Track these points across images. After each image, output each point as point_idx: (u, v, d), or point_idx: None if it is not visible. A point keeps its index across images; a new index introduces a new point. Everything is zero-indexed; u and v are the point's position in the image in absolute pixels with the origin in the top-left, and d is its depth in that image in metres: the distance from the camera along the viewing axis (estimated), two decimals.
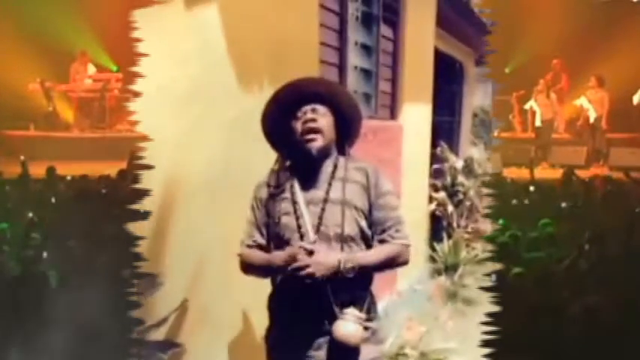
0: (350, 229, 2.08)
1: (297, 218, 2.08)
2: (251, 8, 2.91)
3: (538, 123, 10.54)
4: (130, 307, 2.65)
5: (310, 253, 1.99)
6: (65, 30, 8.03)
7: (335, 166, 2.14)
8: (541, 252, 3.92)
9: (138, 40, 2.66)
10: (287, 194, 2.12)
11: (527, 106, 10.83)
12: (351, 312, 2.02)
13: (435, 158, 6.46)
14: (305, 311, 2.05)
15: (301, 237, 2.07)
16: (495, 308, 3.33)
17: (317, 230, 2.06)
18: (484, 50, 7.89)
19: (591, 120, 10.32)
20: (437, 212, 6.37)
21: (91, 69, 8.99)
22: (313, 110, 2.10)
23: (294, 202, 2.10)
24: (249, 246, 2.19)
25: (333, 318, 2.02)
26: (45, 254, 3.03)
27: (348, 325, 1.99)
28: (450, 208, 6.44)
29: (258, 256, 2.16)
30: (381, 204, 2.13)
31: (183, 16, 2.70)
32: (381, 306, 3.93)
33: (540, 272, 3.68)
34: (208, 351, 2.77)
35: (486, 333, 3.12)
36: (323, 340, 2.06)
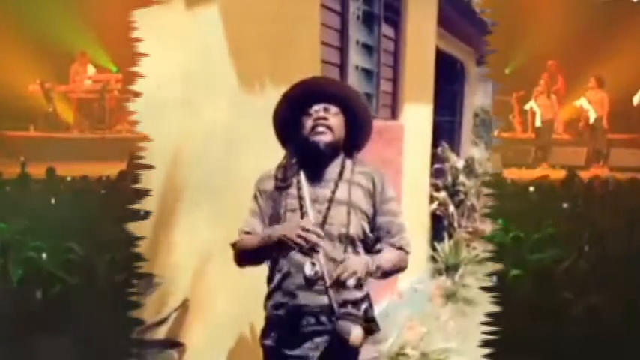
0: (355, 231, 2.08)
1: (302, 215, 2.06)
2: (252, 8, 2.90)
3: (538, 124, 10.54)
4: (130, 307, 2.64)
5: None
6: (65, 31, 8.04)
7: (342, 168, 2.13)
8: (542, 253, 3.92)
9: (138, 40, 2.65)
10: (293, 190, 2.10)
11: (527, 107, 10.84)
12: (352, 312, 2.01)
13: (436, 158, 6.45)
14: (303, 311, 2.04)
15: None
16: (496, 308, 3.33)
17: (322, 229, 2.04)
18: (485, 50, 7.89)
19: (591, 121, 10.32)
20: (438, 212, 6.36)
21: (91, 70, 8.99)
22: (326, 109, 2.10)
23: (300, 198, 2.08)
24: (246, 233, 2.15)
25: (333, 315, 2.00)
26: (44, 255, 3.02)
27: (357, 328, 1.97)
28: (451, 207, 6.43)
29: (250, 238, 2.12)
30: (386, 210, 2.14)
31: (184, 16, 2.69)
32: (381, 306, 3.95)
33: (541, 273, 3.68)
34: (208, 350, 2.76)
35: (486, 333, 3.11)
36: (320, 340, 2.04)
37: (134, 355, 2.60)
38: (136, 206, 2.73)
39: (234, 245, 2.16)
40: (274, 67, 2.97)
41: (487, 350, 3.06)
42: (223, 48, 2.70)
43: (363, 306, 2.08)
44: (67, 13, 7.77)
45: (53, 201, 4.16)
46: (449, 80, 7.19)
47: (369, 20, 4.53)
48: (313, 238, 1.96)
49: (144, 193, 2.69)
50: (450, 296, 5.36)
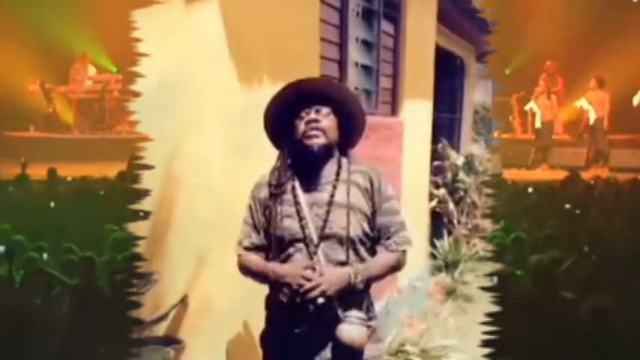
0: (355, 233, 2.07)
1: (300, 220, 2.06)
2: (251, 5, 2.90)
3: (538, 124, 10.53)
4: (130, 307, 2.65)
5: (313, 269, 1.99)
6: (65, 31, 8.05)
7: (338, 167, 2.13)
8: (542, 254, 3.93)
9: (138, 40, 2.65)
10: (288, 195, 2.09)
11: (527, 108, 10.83)
12: (354, 314, 2.01)
13: (435, 155, 6.45)
14: (305, 312, 2.03)
15: (304, 239, 2.05)
16: (495, 308, 3.33)
17: (321, 233, 2.05)
18: (485, 47, 7.88)
19: (591, 121, 10.31)
20: (437, 209, 6.35)
21: (92, 70, 9.00)
22: (317, 111, 2.08)
23: (297, 204, 2.08)
24: (246, 248, 2.16)
25: (336, 319, 2.00)
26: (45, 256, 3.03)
27: (352, 328, 1.98)
28: (451, 204, 6.42)
29: (255, 261, 2.14)
30: (385, 209, 2.12)
31: (184, 15, 2.69)
32: (381, 304, 3.95)
33: (541, 273, 3.69)
34: (208, 348, 2.76)
35: (486, 333, 3.12)
36: (323, 340, 2.04)
37: (133, 355, 2.60)
38: (136, 206, 2.73)
39: (238, 257, 2.18)
40: (274, 63, 2.96)
41: (487, 350, 3.07)
42: (223, 46, 2.70)
43: (365, 305, 2.09)
44: (67, 13, 7.78)
45: (53, 201, 4.17)
46: (449, 77, 7.17)
47: (368, 16, 4.53)
48: (314, 293, 1.96)
49: (144, 193, 2.69)
50: (449, 293, 5.36)
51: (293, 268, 2.03)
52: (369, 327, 2.06)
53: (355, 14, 4.26)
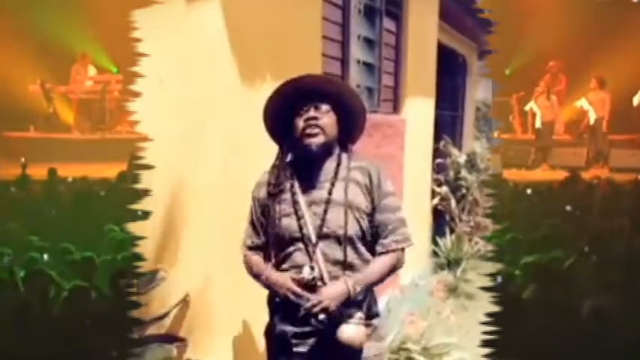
0: (353, 231, 2.06)
1: (299, 219, 2.05)
2: (252, 3, 2.88)
3: (538, 124, 10.52)
4: (130, 307, 2.64)
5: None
6: (65, 32, 8.04)
7: (337, 165, 2.11)
8: (542, 254, 3.92)
9: (138, 40, 2.64)
10: (287, 195, 2.08)
11: (527, 108, 10.82)
12: (353, 313, 1.99)
13: (437, 152, 6.43)
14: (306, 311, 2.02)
15: (303, 238, 2.04)
16: (496, 308, 3.32)
17: (319, 231, 2.03)
18: (486, 45, 7.87)
19: (591, 122, 10.30)
20: (440, 207, 6.34)
21: (92, 70, 8.99)
22: (316, 108, 2.07)
23: (295, 203, 2.07)
24: (249, 247, 2.19)
25: (336, 318, 1.99)
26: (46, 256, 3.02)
27: (350, 327, 1.97)
28: (453, 202, 6.41)
29: (256, 262, 2.16)
30: (383, 206, 2.11)
31: (184, 15, 2.67)
32: (383, 301, 3.94)
33: (540, 273, 3.68)
34: (210, 345, 2.75)
35: (486, 333, 3.10)
36: (324, 339, 2.03)
37: (136, 354, 2.59)
38: (136, 206, 2.72)
39: (244, 256, 2.20)
40: (276, 61, 2.95)
41: (488, 350, 3.05)
42: (224, 45, 2.69)
43: (365, 304, 2.07)
44: (67, 13, 7.77)
45: (53, 201, 4.17)
46: (451, 74, 7.15)
47: (370, 14, 4.51)
48: (316, 310, 1.96)
49: (144, 193, 2.68)
50: (451, 291, 5.35)
51: (283, 278, 2.04)
52: (369, 326, 2.05)
53: (357, 12, 4.24)
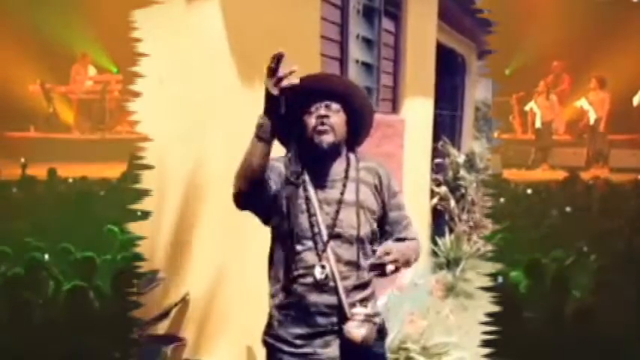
0: (364, 232, 2.06)
1: (310, 217, 2.04)
2: (252, 3, 2.89)
3: (538, 124, 10.52)
4: (130, 307, 2.64)
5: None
6: (65, 31, 8.03)
7: (347, 165, 2.11)
8: (542, 254, 3.93)
9: (138, 40, 2.65)
10: (300, 191, 2.07)
11: (527, 108, 10.83)
12: (362, 311, 2.00)
13: (436, 152, 6.44)
14: (312, 311, 2.02)
15: (314, 236, 2.03)
16: (495, 308, 3.32)
17: (331, 231, 2.03)
18: (485, 44, 7.88)
19: (591, 122, 10.30)
20: (439, 206, 6.35)
21: (92, 71, 8.98)
22: (327, 107, 2.07)
23: (307, 200, 2.06)
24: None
25: (343, 315, 1.99)
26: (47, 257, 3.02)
27: (361, 325, 1.96)
28: (452, 202, 6.42)
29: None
30: (394, 204, 2.13)
31: (184, 15, 2.68)
32: (383, 300, 3.94)
33: (540, 274, 3.68)
34: (210, 346, 2.76)
35: (486, 333, 3.11)
36: (331, 338, 2.03)
37: (135, 354, 2.60)
38: (136, 206, 2.72)
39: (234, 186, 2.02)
40: None
41: (487, 350, 3.06)
42: (223, 45, 2.69)
43: (371, 303, 2.08)
44: (67, 13, 7.77)
45: (53, 202, 4.17)
46: (450, 74, 7.16)
47: (369, 14, 4.52)
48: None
49: (144, 193, 2.68)
50: (450, 290, 5.36)
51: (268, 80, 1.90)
52: (376, 323, 2.04)
53: (356, 12, 4.25)
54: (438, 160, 6.46)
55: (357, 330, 1.96)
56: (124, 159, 3.68)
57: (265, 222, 2.10)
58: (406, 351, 3.57)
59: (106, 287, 2.93)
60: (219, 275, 2.74)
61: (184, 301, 2.72)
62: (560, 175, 7.85)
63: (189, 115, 2.71)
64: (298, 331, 2.05)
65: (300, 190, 2.06)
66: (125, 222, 2.81)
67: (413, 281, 5.17)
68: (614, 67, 9.72)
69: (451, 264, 5.82)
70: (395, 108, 5.13)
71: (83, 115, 8.55)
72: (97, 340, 2.60)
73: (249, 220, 2.10)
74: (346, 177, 2.09)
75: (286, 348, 2.07)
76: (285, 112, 2.03)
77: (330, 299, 2.00)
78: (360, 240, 2.05)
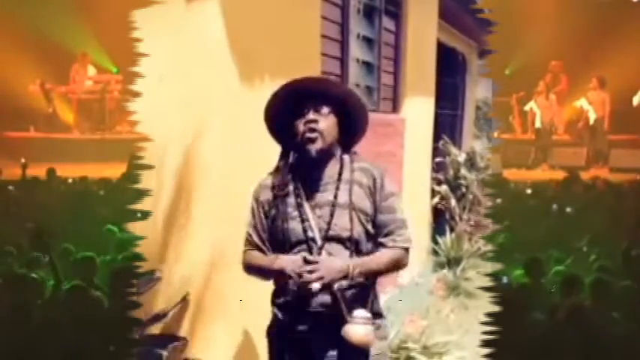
0: (358, 234, 2.06)
1: (303, 222, 2.04)
2: (252, 3, 2.88)
3: (538, 124, 10.52)
4: (130, 307, 2.64)
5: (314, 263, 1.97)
6: (65, 31, 8.03)
7: (341, 166, 2.11)
8: (542, 254, 3.92)
9: (138, 40, 2.64)
10: (291, 197, 2.08)
11: (527, 108, 10.83)
12: (361, 314, 1.99)
13: (437, 151, 6.44)
14: (312, 312, 2.02)
15: (307, 241, 2.04)
16: (495, 308, 3.32)
17: (325, 234, 2.03)
18: (487, 43, 7.87)
19: (591, 121, 10.29)
20: (439, 206, 6.35)
21: (92, 70, 8.98)
22: (316, 110, 2.06)
23: (299, 206, 2.06)
24: (250, 248, 2.16)
25: (342, 317, 1.99)
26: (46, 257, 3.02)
27: (360, 328, 1.96)
28: (453, 201, 6.42)
29: (259, 256, 2.13)
30: (384, 207, 2.10)
31: (184, 15, 2.68)
32: (383, 300, 3.94)
33: (540, 274, 3.68)
34: (211, 345, 2.76)
35: (486, 333, 3.10)
36: (330, 339, 2.03)
37: (134, 355, 2.59)
38: (136, 206, 2.72)
39: (243, 253, 2.16)
40: (275, 61, 2.95)
41: (487, 350, 3.06)
42: (223, 45, 2.69)
43: (370, 303, 2.08)
44: (67, 13, 7.76)
45: (53, 202, 4.17)
46: (450, 73, 7.16)
47: (369, 13, 4.52)
48: (312, 277, 1.93)
49: (144, 193, 2.68)
50: (451, 290, 5.35)
51: (291, 258, 2.01)
52: (373, 324, 2.04)
53: (356, 11, 4.25)
54: (438, 159, 6.46)
55: (355, 332, 1.96)
56: (124, 159, 3.68)
57: None
58: (406, 350, 3.57)
59: (106, 287, 2.93)
60: (219, 275, 2.74)
61: (184, 301, 2.72)
62: (560, 174, 7.85)
63: (189, 115, 2.71)
64: (299, 329, 2.05)
65: (292, 197, 2.07)
66: (125, 222, 2.81)
67: (413, 280, 5.17)
68: (613, 66, 9.70)
69: (452, 263, 5.81)
70: (395, 107, 5.13)
71: (83, 115, 8.55)
72: (97, 339, 2.59)
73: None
74: (339, 179, 2.08)
75: (286, 346, 2.09)
76: (279, 114, 2.04)
77: (327, 300, 2.00)
78: (353, 241, 2.05)
